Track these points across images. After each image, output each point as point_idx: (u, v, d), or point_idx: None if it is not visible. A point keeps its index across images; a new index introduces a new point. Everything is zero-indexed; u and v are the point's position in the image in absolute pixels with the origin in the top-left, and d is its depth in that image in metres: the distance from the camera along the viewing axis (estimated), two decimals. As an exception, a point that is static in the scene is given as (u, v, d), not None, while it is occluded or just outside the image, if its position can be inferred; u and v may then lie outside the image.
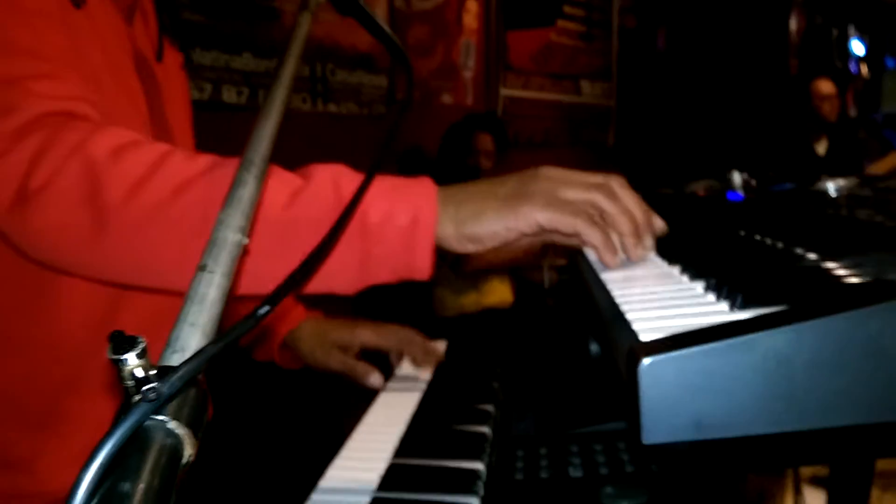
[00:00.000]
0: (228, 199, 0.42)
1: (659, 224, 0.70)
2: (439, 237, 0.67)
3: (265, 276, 0.64)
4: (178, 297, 0.37)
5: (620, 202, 0.67)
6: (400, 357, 1.16)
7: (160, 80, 0.90)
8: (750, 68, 5.11)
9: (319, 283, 0.67)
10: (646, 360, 0.38)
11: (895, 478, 2.57)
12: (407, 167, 3.33)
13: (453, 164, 3.02)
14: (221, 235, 0.38)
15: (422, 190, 0.68)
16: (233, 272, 0.38)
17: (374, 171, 0.63)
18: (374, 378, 1.05)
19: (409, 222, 0.66)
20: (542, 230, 0.67)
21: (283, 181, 0.66)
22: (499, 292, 2.93)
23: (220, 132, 1.07)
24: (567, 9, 4.73)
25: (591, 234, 0.65)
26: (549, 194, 0.67)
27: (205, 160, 0.65)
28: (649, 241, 0.68)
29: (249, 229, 0.41)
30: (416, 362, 1.15)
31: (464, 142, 3.05)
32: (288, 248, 0.64)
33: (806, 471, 2.34)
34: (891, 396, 0.36)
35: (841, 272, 0.47)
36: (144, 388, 0.27)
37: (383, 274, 0.68)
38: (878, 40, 5.25)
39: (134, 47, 0.85)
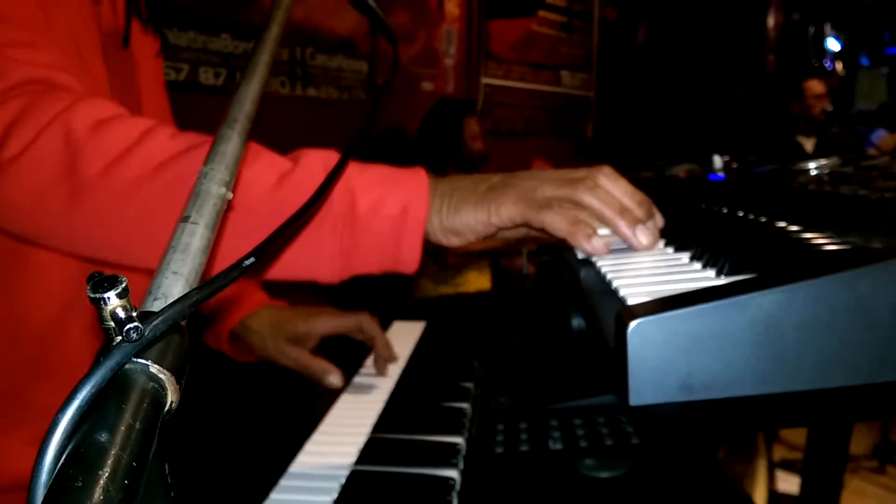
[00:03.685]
0: (211, 153, 0.41)
1: (658, 218, 0.65)
2: (426, 230, 0.66)
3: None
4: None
5: (602, 192, 0.64)
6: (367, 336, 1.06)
7: (129, 65, 0.87)
8: (728, 63, 5.16)
9: (303, 271, 0.66)
10: (633, 322, 0.37)
11: (863, 460, 2.62)
12: (387, 147, 3.32)
13: (443, 152, 3.04)
14: (205, 188, 0.37)
15: (414, 181, 0.67)
16: (216, 225, 0.37)
17: (352, 150, 0.61)
18: (333, 378, 0.95)
19: (398, 212, 0.65)
20: (517, 224, 0.66)
21: (271, 163, 0.64)
22: (478, 282, 2.94)
23: (196, 114, 1.04)
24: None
25: (556, 225, 0.63)
26: (524, 191, 0.65)
27: (189, 138, 0.63)
28: (646, 224, 0.63)
29: (233, 185, 0.40)
30: (377, 349, 1.05)
31: (452, 130, 3.05)
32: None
33: (777, 454, 2.38)
34: (878, 358, 0.36)
35: (827, 242, 0.47)
36: (127, 327, 0.26)
37: (369, 264, 0.67)
38: (853, 38, 5.32)
39: (101, 29, 0.82)
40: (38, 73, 0.64)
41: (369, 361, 1.13)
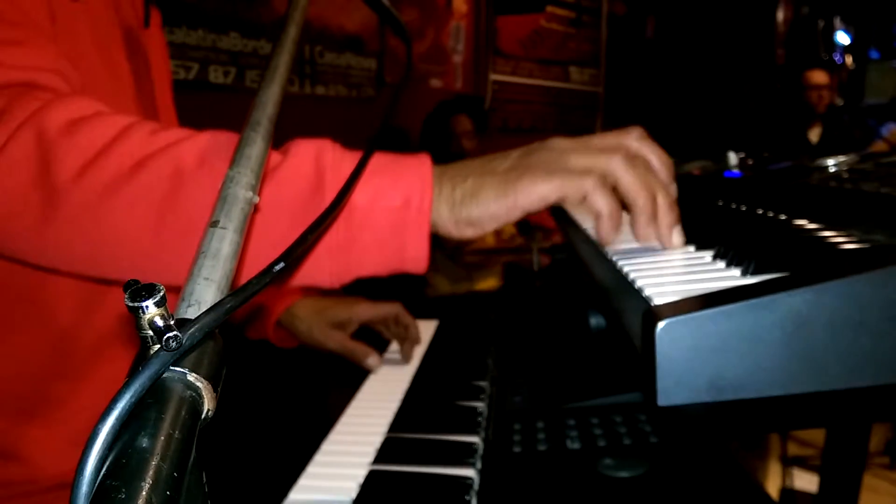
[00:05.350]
0: (236, 157, 0.41)
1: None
2: (434, 221, 0.59)
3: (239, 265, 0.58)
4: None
5: (639, 169, 0.57)
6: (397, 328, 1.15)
7: (146, 48, 0.88)
8: (737, 58, 5.14)
9: (299, 274, 0.60)
10: (662, 322, 0.37)
11: (875, 457, 2.61)
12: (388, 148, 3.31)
13: (436, 153, 3.02)
14: (232, 192, 0.37)
15: (415, 168, 0.60)
16: (244, 229, 0.37)
17: (367, 159, 0.56)
18: (373, 360, 1.06)
19: (400, 204, 0.57)
20: (547, 204, 0.58)
21: None
22: (491, 279, 2.94)
23: (206, 113, 1.04)
24: (557, -6, 4.72)
25: (599, 200, 0.56)
26: (553, 164, 0.58)
27: (173, 134, 0.58)
28: (667, 225, 0.57)
29: (259, 188, 0.40)
30: (410, 336, 1.14)
31: (442, 129, 3.04)
32: (260, 233, 0.56)
33: (791, 450, 2.37)
34: (909, 358, 0.35)
35: (852, 241, 0.46)
36: (166, 336, 0.26)
37: (371, 265, 0.60)
38: (862, 31, 5.29)
39: (120, 16, 0.83)
40: (19, 76, 0.60)
41: (383, 357, 1.13)
